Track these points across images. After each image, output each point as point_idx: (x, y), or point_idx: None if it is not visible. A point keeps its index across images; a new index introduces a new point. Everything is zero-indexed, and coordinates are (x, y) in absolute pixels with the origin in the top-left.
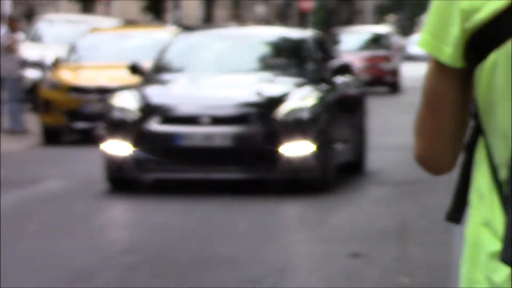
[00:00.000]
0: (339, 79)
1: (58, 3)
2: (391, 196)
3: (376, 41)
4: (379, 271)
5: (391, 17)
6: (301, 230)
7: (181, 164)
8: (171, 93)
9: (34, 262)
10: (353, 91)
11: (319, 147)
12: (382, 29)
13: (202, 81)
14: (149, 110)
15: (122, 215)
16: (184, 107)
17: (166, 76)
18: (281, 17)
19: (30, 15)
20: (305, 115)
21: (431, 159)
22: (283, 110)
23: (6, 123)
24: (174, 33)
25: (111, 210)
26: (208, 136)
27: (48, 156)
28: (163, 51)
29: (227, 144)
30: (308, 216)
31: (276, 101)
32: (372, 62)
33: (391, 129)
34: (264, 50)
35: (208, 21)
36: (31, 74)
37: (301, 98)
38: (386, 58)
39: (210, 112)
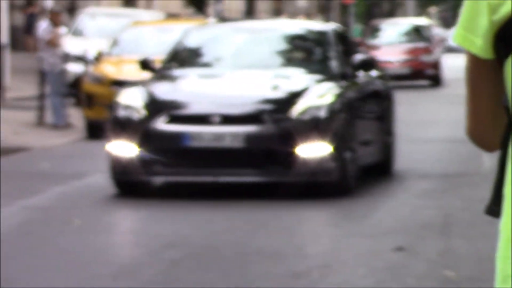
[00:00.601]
0: (363, 75)
1: None
2: (435, 189)
3: (416, 33)
4: (424, 264)
5: (433, 9)
6: (345, 224)
7: (190, 167)
8: (180, 90)
9: (79, 257)
10: (378, 87)
11: (338, 148)
12: (423, 21)
13: (214, 77)
14: (155, 108)
15: (166, 209)
16: (193, 105)
17: (176, 72)
18: (323, 10)
19: (72, 9)
20: (322, 113)
21: (478, 137)
22: (299, 108)
23: (49, 117)
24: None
25: (155, 205)
26: (219, 136)
27: (91, 150)
28: (175, 46)
29: (239, 145)
30: (352, 211)
31: (292, 99)
32: (413, 55)
33: (435, 122)
34: (281, 44)
35: (250, 14)
36: (74, 68)
37: (318, 95)
38: (427, 50)
39: (221, 110)
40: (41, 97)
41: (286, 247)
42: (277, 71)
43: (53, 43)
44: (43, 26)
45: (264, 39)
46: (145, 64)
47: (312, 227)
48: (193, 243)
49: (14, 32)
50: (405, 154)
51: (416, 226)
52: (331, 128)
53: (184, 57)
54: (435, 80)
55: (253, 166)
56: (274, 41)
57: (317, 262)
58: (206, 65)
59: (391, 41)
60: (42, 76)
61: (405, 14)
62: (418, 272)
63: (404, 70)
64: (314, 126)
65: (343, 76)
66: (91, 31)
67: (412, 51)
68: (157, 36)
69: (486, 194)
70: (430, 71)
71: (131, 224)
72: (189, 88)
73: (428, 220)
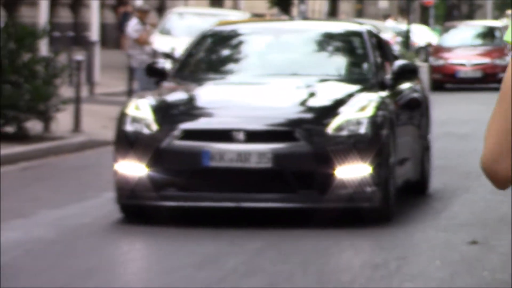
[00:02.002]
0: (402, 84)
1: None
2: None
3: (490, 35)
4: (498, 257)
5: (510, 11)
6: (422, 218)
7: (208, 190)
8: (197, 101)
9: (162, 247)
10: (417, 97)
11: (379, 169)
12: (497, 23)
13: (236, 86)
14: (168, 122)
15: None
16: (213, 119)
17: (192, 80)
18: (403, 11)
19: (161, 9)
20: (362, 129)
21: (492, 162)
22: (335, 123)
23: None
24: None
25: None
26: (243, 156)
27: None
28: (189, 48)
29: (266, 165)
30: (429, 205)
31: (327, 112)
32: (485, 58)
33: None
34: (312, 48)
35: (332, 14)
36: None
37: (358, 108)
38: (500, 53)
39: (245, 125)
40: (129, 92)
41: (364, 240)
42: (308, 79)
43: (142, 41)
44: (131, 24)
45: (292, 42)
46: (151, 70)
47: (389, 220)
48: (273, 234)
49: (104, 29)
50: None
51: (491, 220)
52: (372, 146)
53: (201, 62)
54: None
55: (282, 190)
56: (304, 45)
57: (394, 254)
58: (226, 72)
59: (464, 43)
60: (131, 72)
61: (484, 17)
62: (492, 266)
63: (476, 74)
64: (353, 144)
65: (382, 85)
66: (179, 30)
67: (485, 54)
68: None
69: None
70: (502, 75)
71: (213, 216)
72: (207, 99)
73: (502, 215)
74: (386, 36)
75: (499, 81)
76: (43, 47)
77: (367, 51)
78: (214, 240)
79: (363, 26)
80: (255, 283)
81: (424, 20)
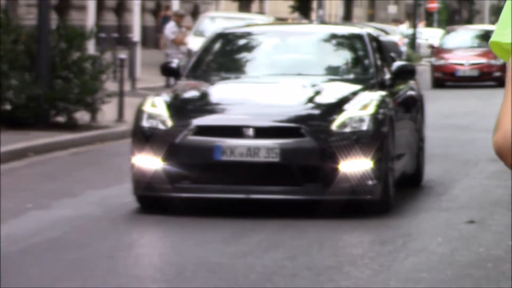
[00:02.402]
0: (400, 83)
1: (219, 2)
2: (503, 171)
3: (486, 38)
4: (493, 236)
5: None
6: (425, 200)
7: (220, 183)
8: (209, 99)
9: (196, 223)
10: (413, 96)
11: (380, 163)
12: (493, 27)
13: (246, 85)
14: (183, 118)
15: None
16: (224, 116)
17: (204, 79)
18: (411, 16)
19: (195, 13)
20: (364, 126)
21: (505, 147)
22: (339, 120)
23: None
24: None
25: None
26: (252, 150)
27: None
28: (202, 49)
29: (274, 159)
30: (432, 189)
31: (331, 110)
32: (482, 58)
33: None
34: (316, 50)
35: (347, 19)
36: None
37: (360, 106)
38: (494, 55)
39: (255, 122)
40: (166, 87)
41: (373, 219)
42: (313, 78)
43: (178, 42)
44: (169, 27)
45: (298, 44)
46: (166, 70)
47: (396, 201)
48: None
49: (145, 31)
50: (480, 142)
51: (487, 203)
52: (373, 142)
53: (213, 62)
54: (501, 82)
55: (289, 183)
56: (309, 46)
57: (400, 231)
58: (236, 71)
59: (463, 45)
60: None
61: (482, 21)
62: (487, 243)
63: (473, 73)
64: (355, 140)
65: (382, 85)
66: (211, 32)
67: (482, 55)
68: None
69: None
70: (496, 74)
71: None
72: (219, 97)
73: (497, 198)
74: (395, 38)
75: (494, 79)
76: (91, 47)
77: (367, 52)
78: (231, 226)
79: (364, 29)
80: (277, 255)
81: (429, 24)
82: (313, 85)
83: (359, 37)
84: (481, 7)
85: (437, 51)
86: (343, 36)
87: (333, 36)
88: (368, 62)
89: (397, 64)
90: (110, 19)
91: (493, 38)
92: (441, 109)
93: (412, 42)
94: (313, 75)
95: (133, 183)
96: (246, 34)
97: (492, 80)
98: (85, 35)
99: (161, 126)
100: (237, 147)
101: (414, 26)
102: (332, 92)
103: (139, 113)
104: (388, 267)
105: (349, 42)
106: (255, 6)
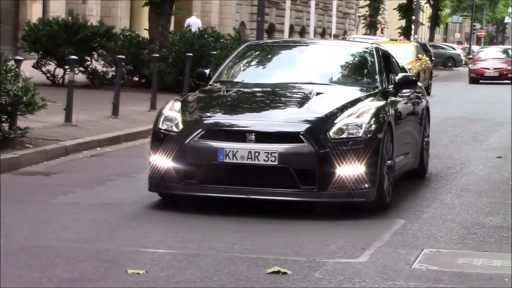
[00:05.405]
0: (402, 92)
1: (359, 29)
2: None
3: (505, 53)
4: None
5: None
6: (473, 144)
7: (222, 183)
8: (219, 105)
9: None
10: (418, 100)
11: (374, 168)
12: (509, 47)
13: (254, 92)
14: (193, 122)
15: None
16: (229, 121)
17: (225, 85)
18: (467, 39)
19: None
20: (360, 133)
21: None
22: (336, 127)
23: None
24: (415, 46)
25: None
26: (253, 154)
27: None
28: (231, 57)
29: (273, 163)
30: (482, 134)
31: (329, 117)
32: (501, 65)
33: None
34: (327, 61)
35: (431, 40)
36: None
37: (357, 114)
38: (509, 63)
39: (257, 128)
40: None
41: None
42: (316, 88)
43: None
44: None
45: (311, 55)
46: (201, 76)
47: (457, 143)
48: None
49: None
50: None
51: None
52: (368, 147)
53: (237, 70)
54: None
55: (287, 185)
56: (316, 58)
57: (457, 162)
58: (251, 78)
59: (489, 57)
60: None
61: (509, 43)
62: None
63: (495, 74)
64: (351, 146)
65: (384, 94)
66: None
67: (501, 63)
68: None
69: None
70: (510, 75)
71: None
72: (227, 103)
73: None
74: (458, 51)
75: (509, 78)
76: None
77: (373, 65)
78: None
79: (372, 44)
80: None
81: (478, 44)
82: (316, 94)
83: (367, 51)
84: (509, 34)
85: (473, 60)
86: (353, 50)
87: (345, 50)
88: (373, 72)
89: (400, 75)
90: None
91: None
92: (477, 96)
93: (468, 54)
94: (322, 84)
95: (148, 180)
96: (270, 46)
97: (507, 79)
98: None
99: (174, 129)
100: (239, 151)
101: (469, 45)
102: (333, 100)
103: (158, 115)
104: None
105: (358, 55)
106: (378, 31)
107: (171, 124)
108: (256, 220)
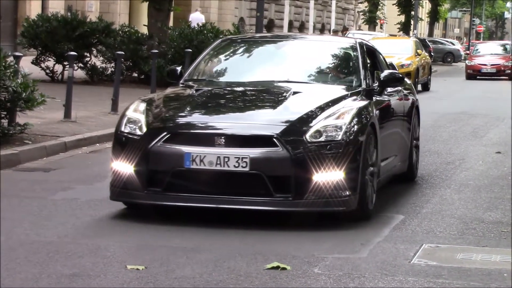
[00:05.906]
0: (388, 90)
1: (358, 24)
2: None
3: (503, 48)
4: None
5: None
6: (473, 139)
7: (189, 191)
8: (186, 106)
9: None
10: (407, 98)
11: (355, 174)
12: (508, 42)
13: (225, 91)
14: (158, 125)
15: None
16: (197, 124)
17: (195, 84)
18: (467, 35)
19: (343, 30)
20: (339, 135)
21: None
22: (313, 129)
23: None
24: (414, 41)
25: None
26: (223, 159)
27: None
28: (203, 55)
29: (244, 169)
30: (482, 129)
31: (306, 118)
32: (498, 61)
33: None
34: (306, 57)
35: (430, 35)
36: None
37: (337, 115)
38: (507, 59)
39: (226, 131)
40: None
41: (441, 146)
42: (293, 86)
43: None
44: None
45: (289, 51)
46: (172, 74)
47: (457, 139)
48: None
49: None
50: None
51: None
52: (348, 152)
53: (208, 68)
54: (511, 77)
55: (259, 193)
56: (295, 54)
57: (456, 157)
58: (222, 77)
59: (487, 53)
60: None
61: (509, 38)
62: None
63: (493, 70)
64: (329, 150)
65: (368, 93)
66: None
67: (499, 59)
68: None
69: None
70: (508, 71)
71: None
72: (195, 103)
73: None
74: (458, 47)
75: (506, 75)
76: None
77: (357, 61)
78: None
79: (356, 39)
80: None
81: (478, 39)
82: (293, 93)
83: (350, 46)
84: (509, 29)
85: (470, 56)
86: (335, 46)
87: (326, 46)
88: (356, 69)
89: (385, 72)
90: None
91: None
92: (475, 91)
93: (467, 49)
94: (301, 82)
95: (110, 187)
96: (246, 42)
97: (505, 75)
98: None
99: (137, 132)
100: (207, 156)
101: (469, 40)
102: (312, 100)
103: (121, 117)
104: None
105: (340, 51)
106: (377, 27)
107: (134, 127)
108: (255, 218)
